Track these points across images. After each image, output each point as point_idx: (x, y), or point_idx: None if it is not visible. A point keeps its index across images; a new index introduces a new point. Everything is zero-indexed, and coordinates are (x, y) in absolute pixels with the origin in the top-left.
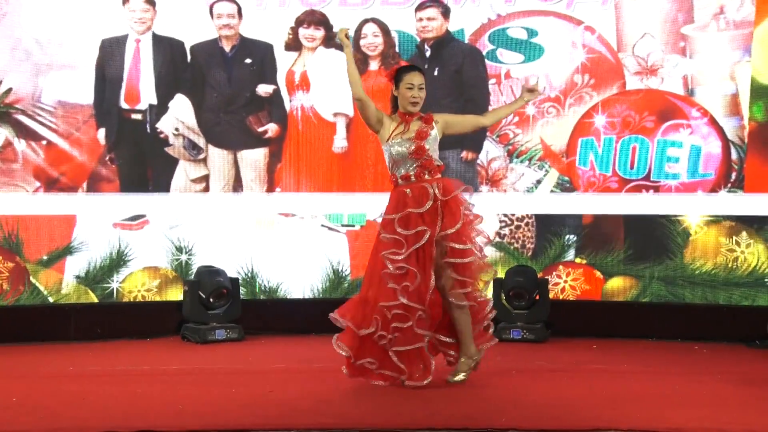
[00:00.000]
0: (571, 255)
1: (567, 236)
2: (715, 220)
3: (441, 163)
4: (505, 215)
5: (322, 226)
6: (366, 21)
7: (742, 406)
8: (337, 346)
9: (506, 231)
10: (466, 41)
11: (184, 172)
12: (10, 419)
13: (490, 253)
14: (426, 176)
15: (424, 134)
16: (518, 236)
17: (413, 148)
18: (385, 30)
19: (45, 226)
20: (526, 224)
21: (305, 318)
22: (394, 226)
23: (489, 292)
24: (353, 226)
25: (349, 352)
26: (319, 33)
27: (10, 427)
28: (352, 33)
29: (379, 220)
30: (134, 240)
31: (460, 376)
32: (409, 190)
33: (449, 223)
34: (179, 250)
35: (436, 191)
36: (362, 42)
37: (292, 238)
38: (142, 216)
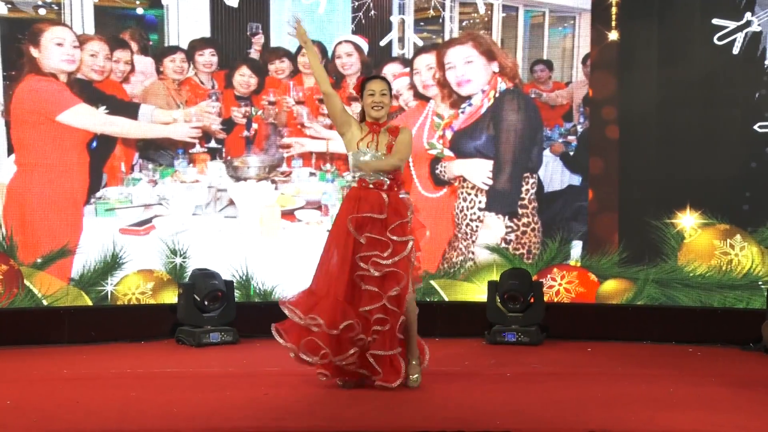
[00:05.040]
0: (566, 258)
1: (569, 239)
2: (709, 223)
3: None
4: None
5: (327, 231)
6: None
7: (736, 409)
8: (303, 355)
9: (512, 237)
10: None
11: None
12: (3, 422)
13: (493, 258)
14: (395, 188)
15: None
16: (524, 242)
17: None
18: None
19: (40, 229)
20: (533, 230)
21: None
22: (380, 228)
23: (481, 296)
24: None
25: (317, 359)
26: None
27: (3, 431)
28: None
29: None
30: (129, 243)
31: (418, 377)
32: (386, 196)
33: (421, 235)
34: (174, 252)
35: (410, 206)
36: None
37: (286, 241)
38: (149, 221)
